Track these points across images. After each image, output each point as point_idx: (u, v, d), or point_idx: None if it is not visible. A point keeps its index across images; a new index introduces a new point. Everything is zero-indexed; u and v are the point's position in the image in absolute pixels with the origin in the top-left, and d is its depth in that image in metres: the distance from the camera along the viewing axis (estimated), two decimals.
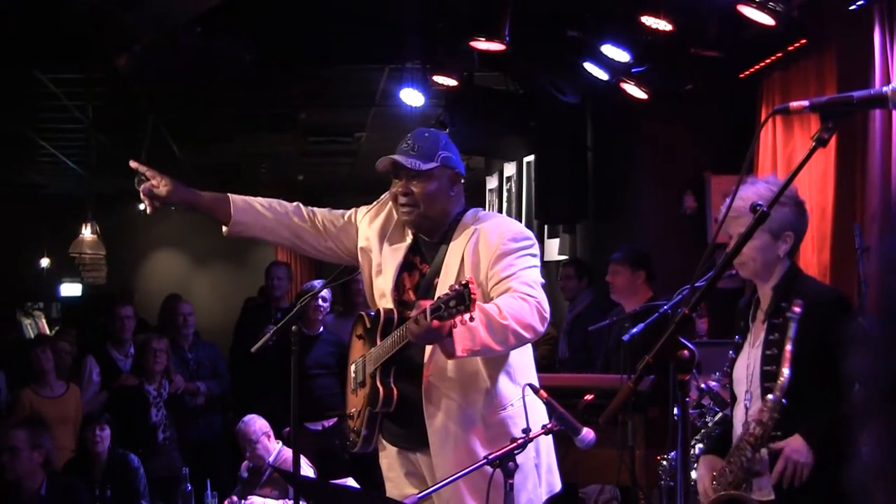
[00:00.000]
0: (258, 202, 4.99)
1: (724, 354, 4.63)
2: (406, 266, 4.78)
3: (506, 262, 4.46)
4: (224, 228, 4.93)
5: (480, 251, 4.54)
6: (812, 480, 4.10)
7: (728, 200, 4.08)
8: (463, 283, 3.94)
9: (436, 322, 3.98)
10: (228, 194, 4.94)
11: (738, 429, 4.33)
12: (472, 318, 3.98)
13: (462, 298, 3.90)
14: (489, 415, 4.57)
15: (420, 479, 4.75)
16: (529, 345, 4.63)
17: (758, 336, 4.26)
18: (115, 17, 6.91)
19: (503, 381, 4.59)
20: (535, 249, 4.58)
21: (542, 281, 4.51)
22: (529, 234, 4.63)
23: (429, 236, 4.75)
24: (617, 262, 7.78)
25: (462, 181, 4.77)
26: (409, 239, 4.81)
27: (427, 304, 4.06)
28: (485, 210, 4.78)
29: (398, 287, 4.77)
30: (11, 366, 10.06)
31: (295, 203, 5.09)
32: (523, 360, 4.69)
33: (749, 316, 4.40)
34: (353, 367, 4.95)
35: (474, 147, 12.16)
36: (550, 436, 4.45)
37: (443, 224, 4.69)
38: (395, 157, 4.60)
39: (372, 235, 4.90)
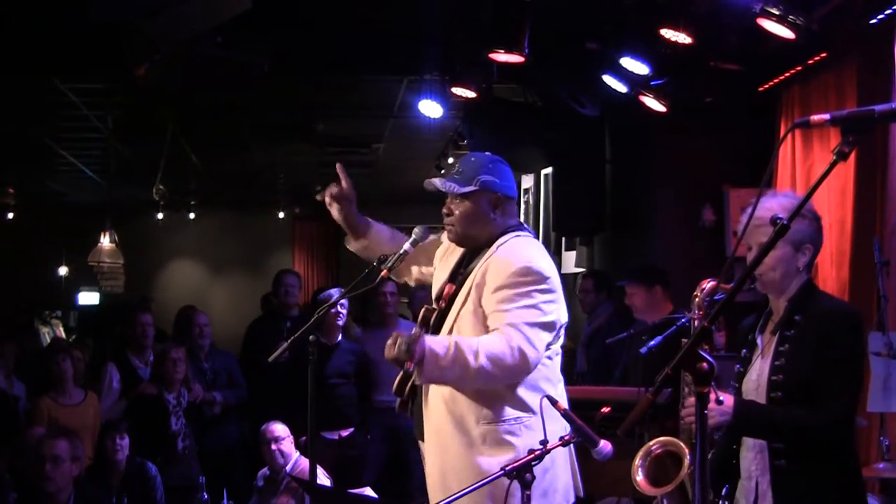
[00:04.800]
0: (388, 232, 5.39)
1: None
2: (451, 278, 5.06)
3: (502, 295, 4.68)
4: (352, 242, 5.41)
5: (487, 276, 4.77)
6: (794, 485, 4.15)
7: (749, 210, 4.10)
8: (418, 333, 4.46)
9: (397, 356, 4.47)
10: (370, 221, 5.37)
11: (747, 441, 4.38)
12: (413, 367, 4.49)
13: (409, 348, 4.42)
14: (478, 424, 4.77)
15: None
16: (548, 363, 4.84)
17: (769, 348, 4.28)
18: (135, 26, 6.92)
19: (500, 397, 4.76)
20: (546, 285, 4.73)
21: (548, 320, 4.70)
22: (541, 267, 4.77)
23: (472, 252, 5.00)
24: (630, 283, 7.76)
25: (511, 202, 4.98)
26: (462, 251, 5.09)
27: (399, 335, 4.49)
28: (523, 233, 4.97)
29: (439, 298, 5.05)
30: (30, 374, 10.07)
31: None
32: (533, 382, 4.81)
33: (757, 329, 4.41)
34: None
35: None
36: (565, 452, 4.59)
37: (482, 243, 4.93)
38: (434, 180, 4.91)
39: (438, 255, 5.26)
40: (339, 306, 8.41)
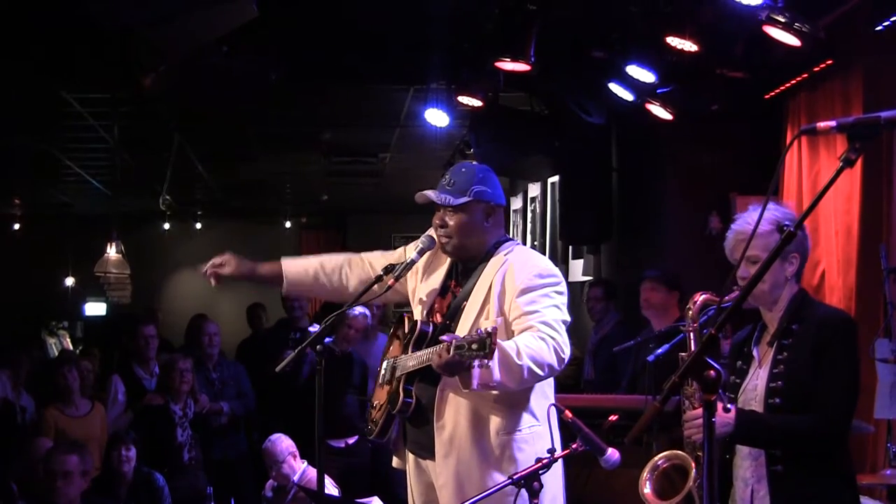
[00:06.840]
0: (310, 265, 5.36)
1: None
2: (441, 291, 5.07)
3: (529, 297, 4.71)
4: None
5: (507, 283, 4.79)
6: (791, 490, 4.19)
7: (734, 227, 4.20)
8: (488, 330, 4.17)
9: (457, 358, 4.21)
10: (282, 261, 5.33)
11: (741, 449, 4.40)
12: (488, 363, 4.25)
13: (483, 345, 4.14)
14: (496, 435, 4.77)
15: None
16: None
17: (766, 359, 4.32)
18: (141, 36, 6.94)
19: (516, 407, 4.78)
20: (562, 287, 4.82)
21: (567, 319, 4.73)
22: (556, 271, 4.86)
23: (465, 262, 5.02)
24: (655, 279, 7.82)
25: (501, 211, 5.05)
26: (448, 264, 5.10)
27: (453, 338, 4.27)
28: (517, 239, 5.02)
29: (430, 312, 5.04)
30: (37, 385, 10.08)
31: (347, 257, 5.39)
32: (542, 390, 4.86)
33: (752, 341, 4.45)
34: (384, 364, 5.19)
35: (498, 167, 12.10)
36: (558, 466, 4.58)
37: (479, 252, 4.97)
38: (428, 192, 4.92)
39: (420, 272, 5.20)
40: (360, 315, 8.58)
